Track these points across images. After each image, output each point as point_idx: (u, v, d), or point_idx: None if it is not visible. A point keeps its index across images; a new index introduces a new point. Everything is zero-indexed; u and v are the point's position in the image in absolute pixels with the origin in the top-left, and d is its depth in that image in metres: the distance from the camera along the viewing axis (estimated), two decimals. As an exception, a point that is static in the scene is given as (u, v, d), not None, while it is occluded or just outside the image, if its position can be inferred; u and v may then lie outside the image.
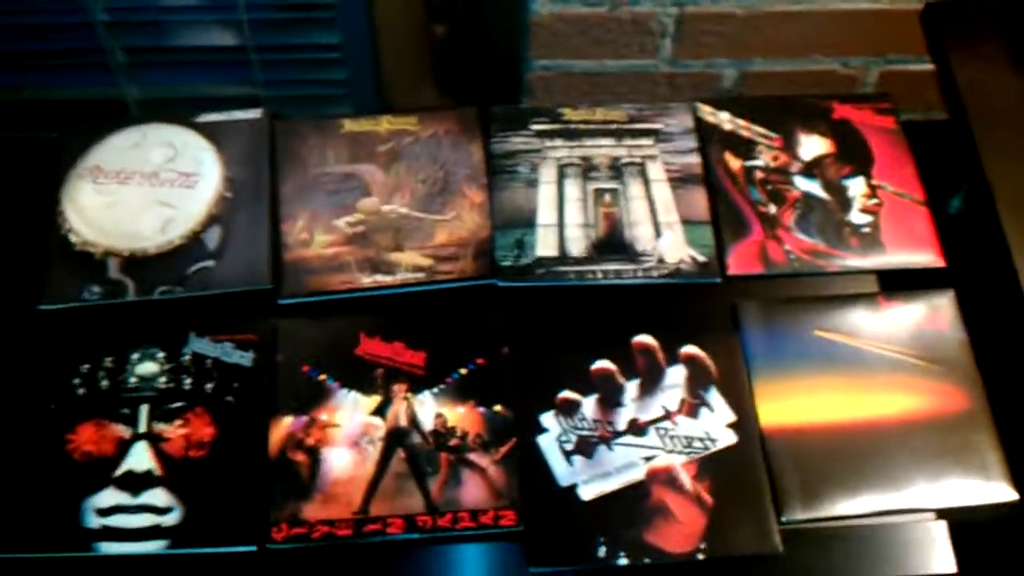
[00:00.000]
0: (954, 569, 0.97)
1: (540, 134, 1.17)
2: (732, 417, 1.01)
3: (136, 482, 0.97)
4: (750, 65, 1.44)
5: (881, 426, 1.01)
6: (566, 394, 1.02)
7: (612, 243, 1.10)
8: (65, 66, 1.42)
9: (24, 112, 1.41)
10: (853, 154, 1.17)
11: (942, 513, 0.99)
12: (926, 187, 1.16)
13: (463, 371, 1.03)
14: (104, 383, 1.02)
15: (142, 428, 0.99)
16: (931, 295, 1.08)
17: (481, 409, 1.01)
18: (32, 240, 1.11)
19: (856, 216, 1.13)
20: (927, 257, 1.11)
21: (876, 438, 1.00)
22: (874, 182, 1.15)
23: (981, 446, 1.00)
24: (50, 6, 1.32)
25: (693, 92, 1.46)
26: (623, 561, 0.94)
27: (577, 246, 1.10)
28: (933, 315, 1.07)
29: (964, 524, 0.99)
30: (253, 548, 0.95)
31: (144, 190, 1.12)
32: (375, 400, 1.02)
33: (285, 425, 1.00)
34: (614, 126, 1.17)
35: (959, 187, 1.18)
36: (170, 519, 0.96)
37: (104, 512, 0.96)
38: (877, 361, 1.04)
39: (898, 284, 1.10)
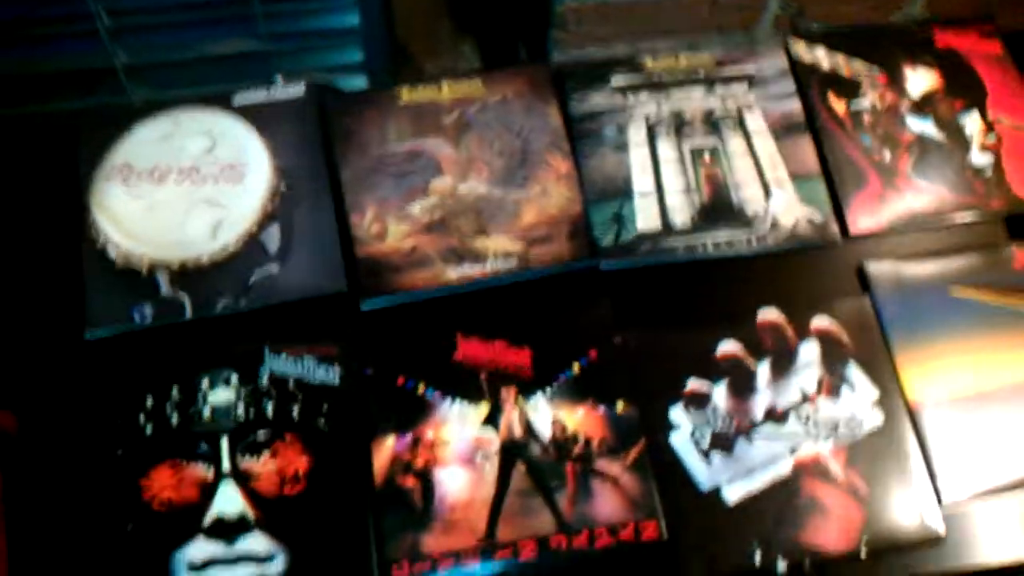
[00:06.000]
0: None
1: (622, 89, 1.05)
2: (876, 394, 0.93)
3: (229, 529, 0.87)
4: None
5: (1032, 387, 0.93)
6: (693, 384, 0.93)
7: (719, 208, 1.00)
8: (47, 35, 1.26)
9: (7, 86, 1.26)
10: (963, 86, 1.07)
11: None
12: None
13: (575, 367, 0.93)
14: (174, 418, 0.91)
15: (226, 466, 0.89)
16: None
17: (601, 409, 0.91)
18: (55, 248, 0.98)
19: (976, 157, 1.03)
20: (1057, 197, 1.03)
21: (1029, 401, 0.93)
22: (990, 116, 1.05)
23: None
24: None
25: (737, 15, 1.34)
26: (782, 565, 0.86)
27: (681, 215, 0.99)
28: (1072, 262, 0.99)
29: None
30: (373, 591, 0.86)
31: (184, 188, 0.98)
32: (483, 409, 0.92)
33: (388, 447, 0.90)
34: (702, 74, 1.06)
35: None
36: (274, 567, 0.86)
37: (198, 567, 0.86)
38: (1019, 319, 0.96)
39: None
